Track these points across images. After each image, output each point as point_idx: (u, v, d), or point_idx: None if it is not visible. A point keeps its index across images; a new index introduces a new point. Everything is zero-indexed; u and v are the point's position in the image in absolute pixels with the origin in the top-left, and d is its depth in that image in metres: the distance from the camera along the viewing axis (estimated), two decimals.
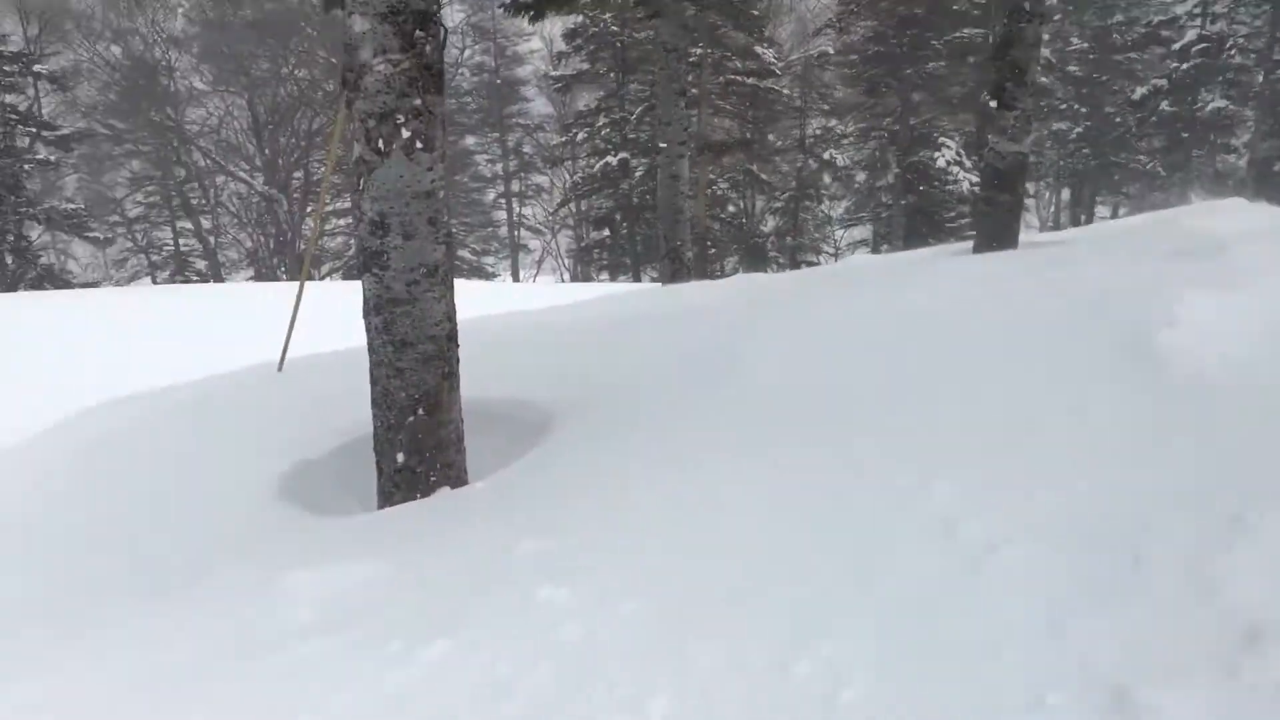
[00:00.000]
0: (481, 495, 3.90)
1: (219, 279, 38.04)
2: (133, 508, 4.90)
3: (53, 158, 31.72)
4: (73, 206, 32.00)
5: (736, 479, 3.23)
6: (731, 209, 37.37)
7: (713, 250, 33.63)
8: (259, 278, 38.00)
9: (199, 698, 2.67)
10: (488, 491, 3.93)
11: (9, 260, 31.12)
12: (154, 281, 38.78)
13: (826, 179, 36.62)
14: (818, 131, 38.25)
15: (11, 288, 28.99)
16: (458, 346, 4.62)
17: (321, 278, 36.28)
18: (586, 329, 6.71)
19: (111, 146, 37.33)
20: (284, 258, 38.82)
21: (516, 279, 42.50)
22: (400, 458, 4.53)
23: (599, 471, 3.71)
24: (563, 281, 39.70)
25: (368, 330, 4.57)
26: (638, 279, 34.93)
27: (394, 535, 3.67)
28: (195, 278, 38.74)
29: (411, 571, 3.08)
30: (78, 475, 5.61)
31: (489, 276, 40.06)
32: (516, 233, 45.71)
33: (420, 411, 4.50)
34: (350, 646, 2.67)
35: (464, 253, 40.11)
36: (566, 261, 44.76)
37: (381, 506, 4.63)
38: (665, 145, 11.07)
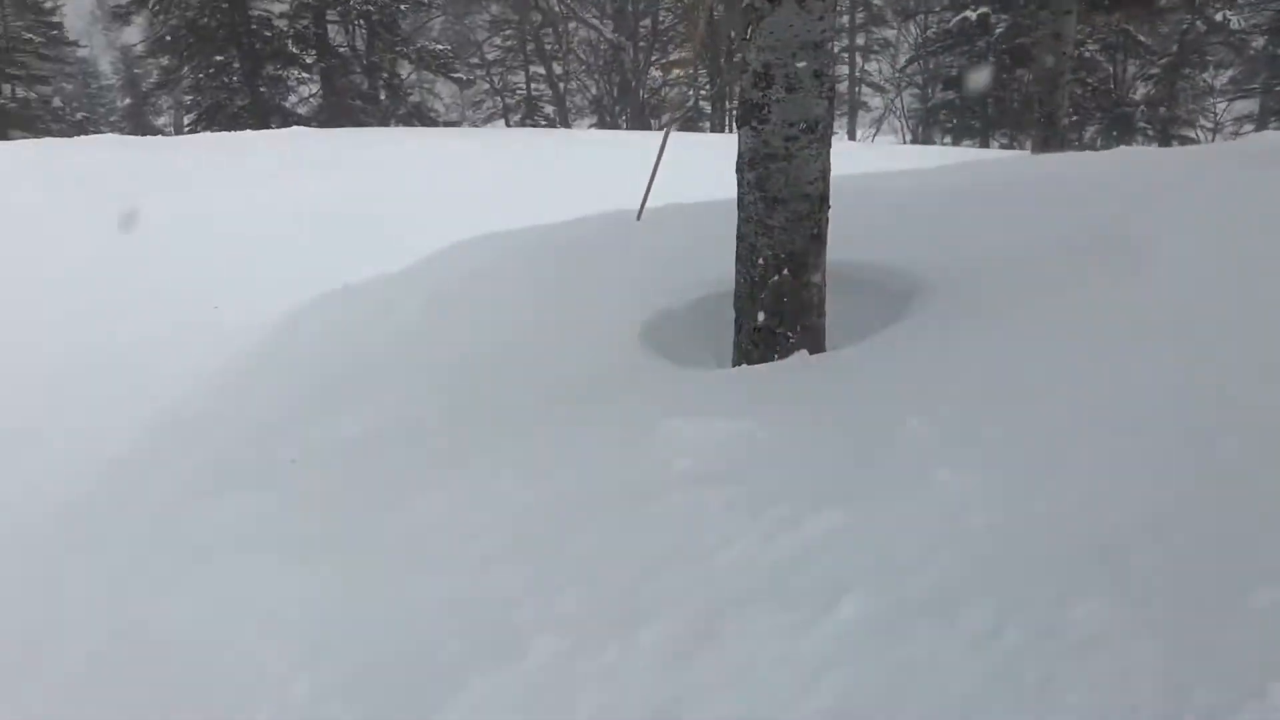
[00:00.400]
0: (853, 363, 3.76)
1: (566, 124, 39.48)
2: (505, 340, 5.17)
3: None
4: (441, 47, 34.01)
5: (1155, 373, 2.88)
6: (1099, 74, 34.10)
7: (1074, 118, 31.01)
8: (601, 125, 39.11)
9: (587, 529, 2.76)
10: (859, 359, 3.79)
11: (383, 96, 33.72)
12: (506, 124, 40.83)
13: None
14: None
15: (384, 122, 31.43)
16: (829, 207, 4.46)
17: (661, 127, 36.80)
18: (952, 196, 6.32)
19: None
20: (625, 106, 39.61)
21: (853, 137, 41.26)
22: (761, 316, 4.49)
23: (985, 351, 3.45)
24: (903, 143, 38.17)
25: (740, 184, 4.50)
26: (985, 145, 33.01)
27: (765, 395, 3.62)
28: (543, 122, 40.41)
29: (788, 434, 3.01)
30: (453, 305, 6.00)
31: None
32: (857, 89, 44.12)
33: (785, 271, 4.41)
34: (733, 502, 2.65)
35: None
36: (909, 122, 42.91)
37: (736, 364, 4.63)
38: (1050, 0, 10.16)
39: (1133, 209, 4.87)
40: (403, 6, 32.81)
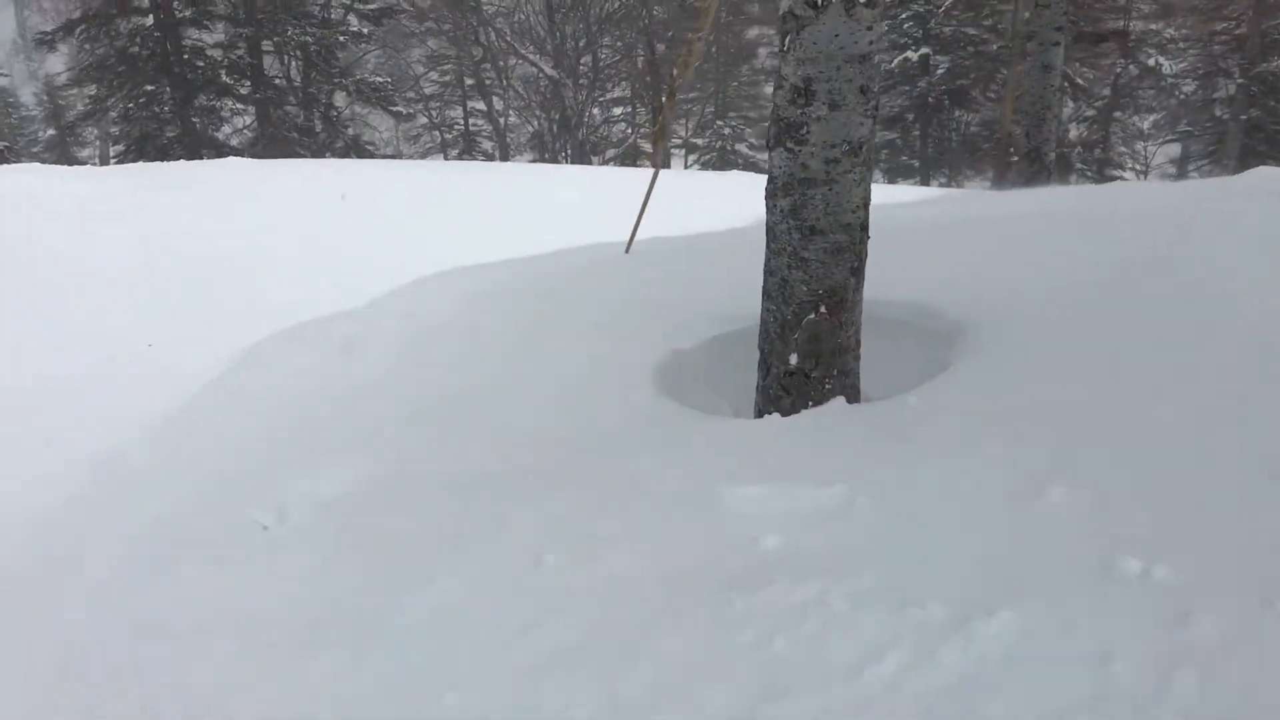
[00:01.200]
0: (924, 414, 3.25)
1: (505, 159, 38.98)
2: (497, 385, 4.59)
3: (365, 30, 33.02)
4: (380, 79, 33.37)
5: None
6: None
7: (1014, 158, 31.13)
8: (541, 161, 38.63)
9: (665, 629, 2.16)
10: (929, 410, 3.27)
11: (319, 128, 32.90)
12: (445, 158, 40.18)
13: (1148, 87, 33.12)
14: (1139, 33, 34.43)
15: (319, 155, 30.60)
16: (869, 238, 4.01)
17: (605, 162, 36.54)
18: (964, 227, 5.91)
19: (414, 24, 38.47)
20: (566, 142, 39.18)
21: None
22: (793, 359, 4.00)
23: (1083, 401, 2.95)
24: None
25: (770, 213, 4.04)
26: (925, 184, 33.13)
27: (838, 453, 3.07)
28: (481, 156, 39.85)
29: (896, 506, 2.46)
30: (429, 345, 5.42)
31: (764, 171, 39.07)
32: None
33: (822, 309, 3.94)
34: (861, 598, 2.09)
35: (741, 146, 39.39)
36: None
37: (762, 412, 4.13)
38: (1038, 31, 9.86)
39: (1168, 240, 4.48)
40: (341, 39, 32.12)
